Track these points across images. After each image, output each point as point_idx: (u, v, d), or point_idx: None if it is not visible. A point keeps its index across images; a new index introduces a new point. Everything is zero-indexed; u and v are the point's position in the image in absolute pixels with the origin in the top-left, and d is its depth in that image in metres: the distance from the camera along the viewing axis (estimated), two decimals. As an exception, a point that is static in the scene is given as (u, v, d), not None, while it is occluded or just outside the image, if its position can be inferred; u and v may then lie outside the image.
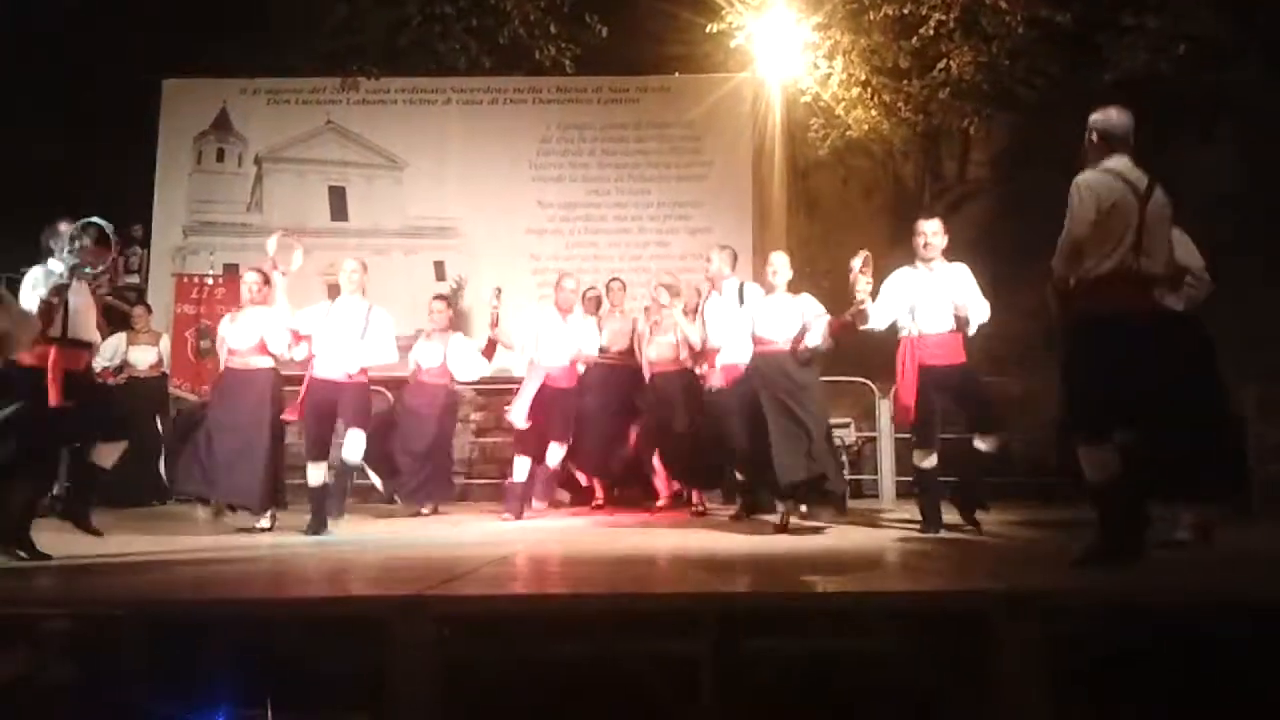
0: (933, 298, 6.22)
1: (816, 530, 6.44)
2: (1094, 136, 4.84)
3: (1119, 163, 4.75)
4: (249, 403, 6.82)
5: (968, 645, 3.92)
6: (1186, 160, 8.35)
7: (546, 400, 7.68)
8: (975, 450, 6.27)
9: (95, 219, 5.97)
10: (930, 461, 6.32)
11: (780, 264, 6.74)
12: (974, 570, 4.83)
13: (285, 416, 6.96)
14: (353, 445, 6.94)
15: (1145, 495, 4.74)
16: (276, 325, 6.90)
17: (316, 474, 6.87)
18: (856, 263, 6.23)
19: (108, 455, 5.99)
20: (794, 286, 6.81)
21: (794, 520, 6.56)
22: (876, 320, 6.30)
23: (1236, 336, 8.22)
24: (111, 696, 3.95)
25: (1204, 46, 9.38)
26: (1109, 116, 4.85)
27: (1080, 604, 4.07)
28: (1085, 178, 4.73)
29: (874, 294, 6.27)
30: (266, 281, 7.06)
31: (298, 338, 6.95)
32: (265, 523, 6.95)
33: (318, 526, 6.74)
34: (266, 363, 6.94)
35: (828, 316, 6.57)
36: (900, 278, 6.36)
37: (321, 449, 6.93)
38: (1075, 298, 4.72)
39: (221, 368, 7.13)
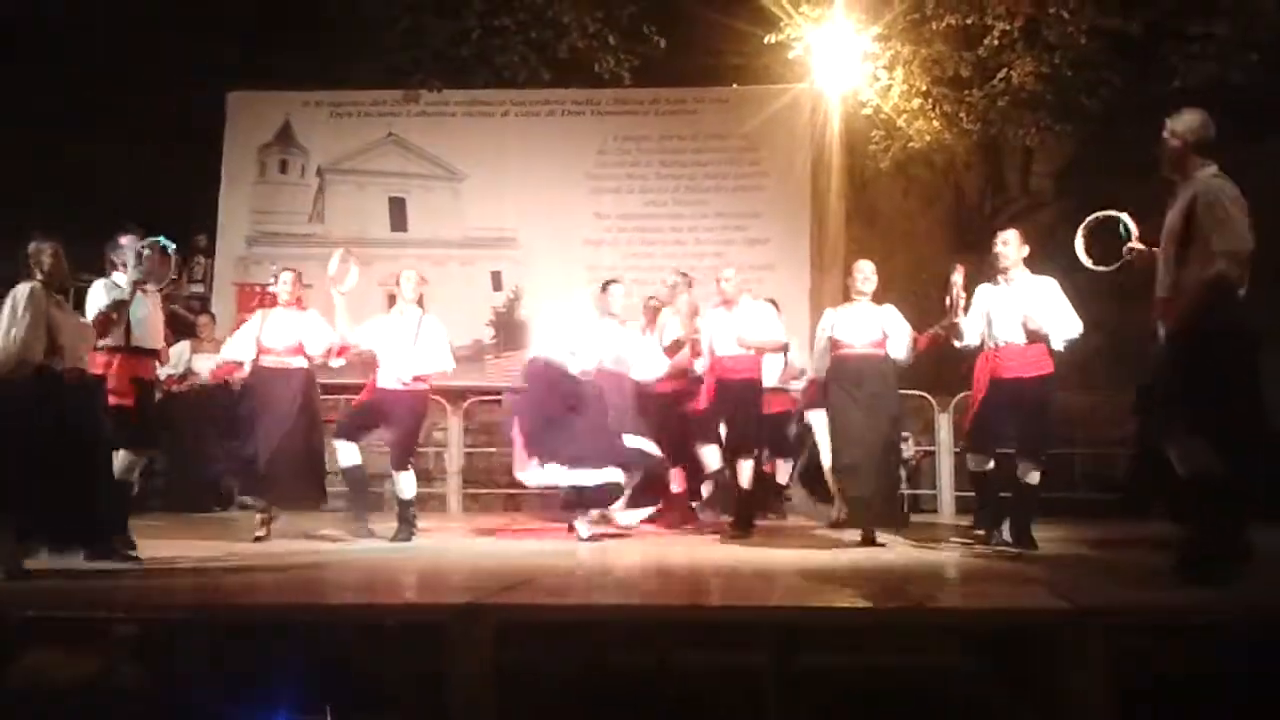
0: (1007, 310, 6.17)
1: (877, 545, 6.38)
2: (1188, 141, 4.69)
3: (1217, 170, 4.63)
4: (285, 400, 6.86)
5: (1031, 662, 3.87)
6: (1249, 161, 8.20)
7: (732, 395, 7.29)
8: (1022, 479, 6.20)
9: (159, 237, 6.12)
10: (980, 464, 6.28)
11: (868, 271, 6.67)
12: (1037, 587, 4.75)
13: None
14: (404, 485, 6.99)
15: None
16: (319, 330, 6.98)
17: (347, 454, 6.98)
18: (958, 279, 6.26)
19: (123, 463, 6.05)
20: (849, 297, 6.76)
21: (851, 534, 6.51)
22: (969, 336, 6.28)
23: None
24: (176, 700, 4.01)
25: (1276, 52, 9.18)
26: (1202, 122, 4.71)
27: (1146, 621, 4.00)
28: (1226, 184, 4.57)
29: (966, 308, 6.28)
30: (301, 281, 7.17)
31: (342, 349, 7.02)
32: (260, 533, 6.87)
33: (363, 513, 6.95)
34: (301, 362, 6.99)
35: (910, 330, 6.55)
36: (983, 293, 6.33)
37: (352, 434, 7.02)
38: (1204, 310, 4.54)
39: (246, 367, 7.11)
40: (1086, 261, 5.28)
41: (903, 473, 7.60)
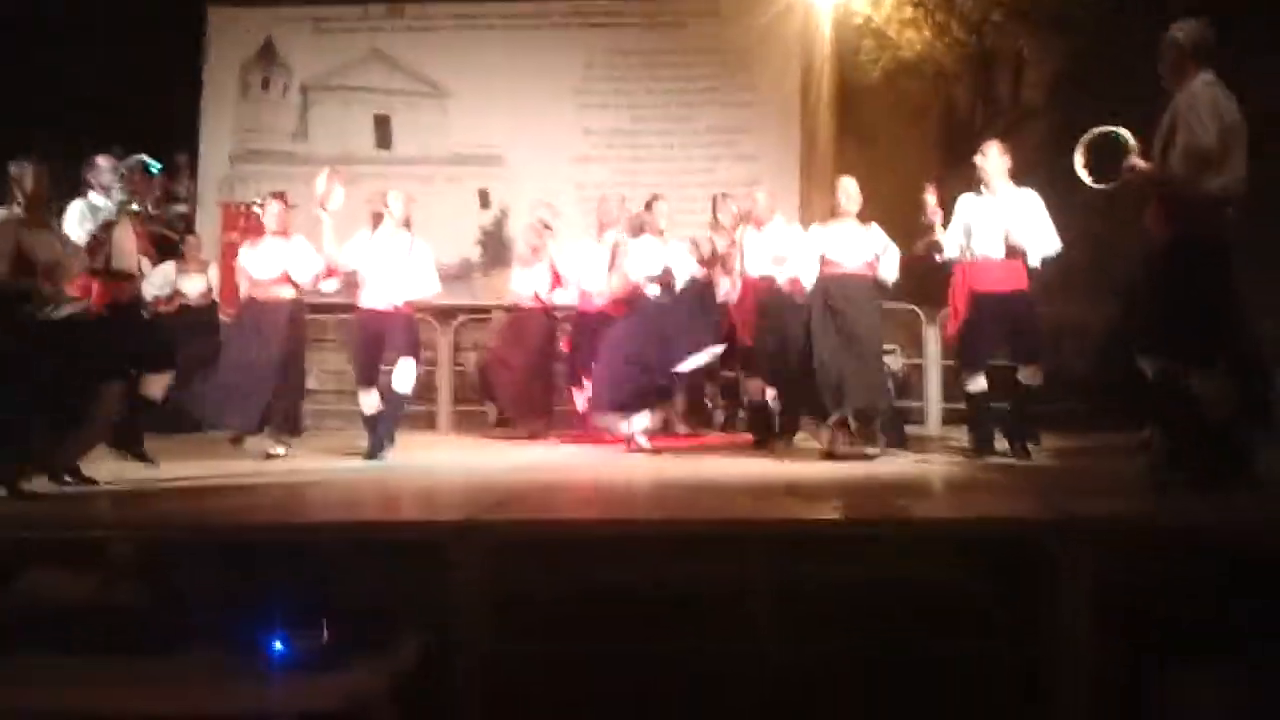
0: (989, 223, 6.15)
1: (864, 456, 6.44)
2: (1184, 49, 4.66)
3: (1213, 78, 4.60)
4: (271, 331, 6.85)
5: (1019, 571, 3.93)
6: (1247, 72, 8.10)
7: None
8: (1020, 382, 6.24)
9: (141, 156, 6.04)
10: (977, 385, 6.29)
11: (851, 189, 6.64)
12: (1024, 496, 4.81)
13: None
14: (403, 374, 6.96)
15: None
16: (305, 256, 6.94)
17: (369, 401, 6.93)
18: (931, 198, 6.24)
19: (156, 386, 6.09)
20: (835, 215, 6.73)
21: (841, 447, 6.56)
22: (949, 249, 6.28)
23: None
24: (175, 618, 4.06)
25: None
26: (1198, 29, 4.68)
27: (1134, 530, 4.06)
28: (1208, 88, 4.55)
29: (945, 222, 6.26)
30: (288, 208, 7.12)
31: (331, 271, 7.00)
32: (280, 450, 6.92)
33: (375, 450, 6.82)
34: (289, 292, 6.97)
35: (897, 250, 6.54)
36: (963, 203, 6.30)
37: (370, 376, 6.98)
38: (1190, 218, 4.57)
39: (242, 297, 7.12)
40: (1086, 178, 5.21)
41: (890, 386, 7.60)
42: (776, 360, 7.09)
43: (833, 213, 6.76)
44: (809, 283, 6.67)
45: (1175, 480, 4.65)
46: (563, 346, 8.43)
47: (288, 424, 7.06)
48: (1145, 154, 4.85)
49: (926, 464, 6.39)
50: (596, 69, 11.34)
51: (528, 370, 8.24)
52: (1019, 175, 6.35)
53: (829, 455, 6.48)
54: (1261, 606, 3.73)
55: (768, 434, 7.41)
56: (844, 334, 6.41)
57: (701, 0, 11.39)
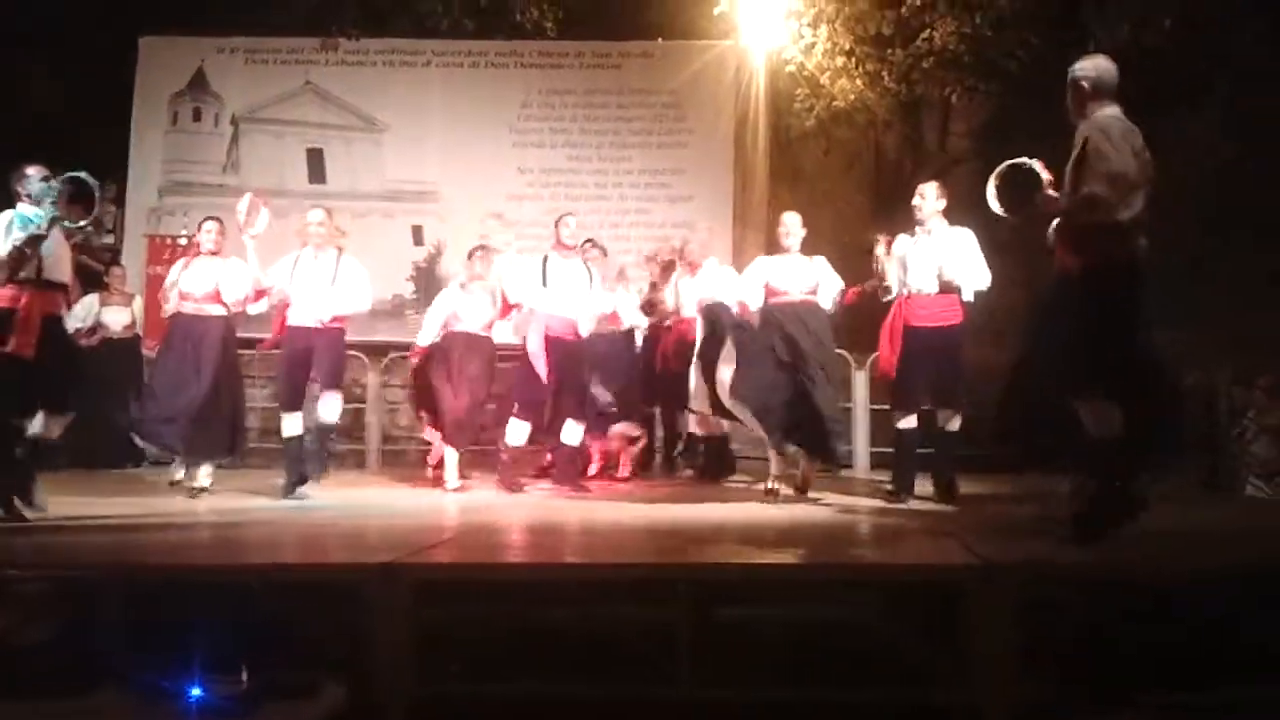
0: (923, 259, 6.30)
1: (800, 500, 6.47)
2: (1085, 86, 4.74)
3: (1118, 111, 4.71)
4: (201, 349, 6.74)
5: (942, 616, 3.96)
6: (1174, 128, 8.33)
7: None
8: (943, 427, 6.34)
9: (80, 173, 5.87)
10: (907, 423, 6.39)
11: (793, 224, 6.74)
12: (948, 541, 4.85)
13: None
14: (329, 406, 6.89)
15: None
16: (237, 277, 6.85)
17: (291, 425, 6.82)
18: (880, 250, 6.43)
19: (55, 427, 5.83)
20: (776, 250, 6.84)
21: (782, 488, 6.59)
22: (895, 288, 6.42)
23: (1223, 305, 8.27)
24: (87, 659, 3.95)
25: (1194, 15, 9.33)
26: (1099, 65, 4.77)
27: (1055, 576, 4.11)
28: (1115, 119, 4.64)
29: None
30: (223, 232, 7.01)
31: (259, 293, 6.91)
32: (205, 481, 6.83)
33: (293, 485, 6.71)
34: (219, 310, 6.87)
35: (841, 283, 6.64)
36: (901, 243, 6.45)
37: (294, 399, 6.88)
38: (1093, 244, 4.62)
39: (171, 312, 6.97)
40: (997, 208, 5.30)
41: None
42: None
43: (771, 249, 6.88)
44: (755, 307, 6.77)
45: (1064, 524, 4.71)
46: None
47: (232, 448, 6.95)
48: (1057, 186, 4.93)
49: (853, 508, 6.43)
50: (533, 108, 11.37)
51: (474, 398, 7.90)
52: (948, 220, 6.49)
53: (771, 497, 6.54)
54: (1180, 648, 3.80)
55: (722, 467, 7.72)
56: (797, 357, 6.43)
57: (637, 43, 11.49)
